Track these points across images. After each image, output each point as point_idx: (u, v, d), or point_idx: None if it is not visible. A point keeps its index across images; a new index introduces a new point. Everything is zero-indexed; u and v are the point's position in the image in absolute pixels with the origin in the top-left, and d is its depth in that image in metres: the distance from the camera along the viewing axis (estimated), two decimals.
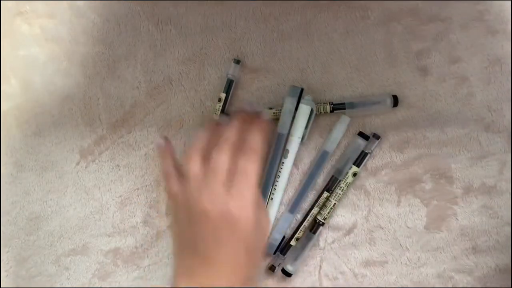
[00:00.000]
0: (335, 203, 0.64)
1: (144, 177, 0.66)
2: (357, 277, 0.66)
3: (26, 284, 0.66)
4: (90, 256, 0.66)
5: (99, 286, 0.66)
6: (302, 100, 0.62)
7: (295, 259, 0.64)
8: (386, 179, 0.65)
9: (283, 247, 0.65)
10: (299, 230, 0.64)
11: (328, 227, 0.65)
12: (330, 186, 0.64)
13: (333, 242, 0.66)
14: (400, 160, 0.65)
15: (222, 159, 0.56)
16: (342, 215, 0.66)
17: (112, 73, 0.66)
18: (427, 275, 0.65)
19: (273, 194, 0.64)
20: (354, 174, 0.64)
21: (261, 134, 0.58)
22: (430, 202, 0.65)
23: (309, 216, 0.64)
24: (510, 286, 0.63)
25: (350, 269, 0.66)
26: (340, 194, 0.64)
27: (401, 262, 0.65)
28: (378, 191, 0.65)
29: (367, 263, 0.66)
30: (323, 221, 0.64)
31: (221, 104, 0.64)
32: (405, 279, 0.65)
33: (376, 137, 0.63)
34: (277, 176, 0.64)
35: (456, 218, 0.65)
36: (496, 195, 0.65)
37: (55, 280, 0.66)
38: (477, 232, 0.65)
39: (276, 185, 0.64)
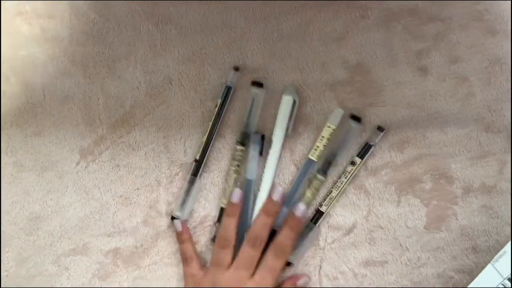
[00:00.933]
0: (336, 194, 0.64)
1: (144, 177, 0.66)
2: (357, 277, 0.65)
3: (26, 284, 0.66)
4: (90, 256, 0.66)
5: (99, 286, 0.66)
6: (285, 92, 0.63)
7: (297, 248, 0.64)
8: (386, 179, 0.65)
9: None
10: None
11: (328, 226, 0.65)
12: (325, 169, 0.64)
13: (333, 242, 0.65)
14: (400, 160, 0.65)
15: (252, 255, 0.62)
16: (342, 215, 0.65)
17: (112, 73, 0.66)
18: (427, 275, 0.65)
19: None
20: (353, 163, 0.63)
21: (293, 234, 0.63)
22: (430, 202, 0.65)
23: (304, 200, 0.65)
24: (510, 287, 0.62)
25: (350, 269, 0.65)
26: (341, 185, 0.64)
27: (401, 262, 0.65)
28: (378, 191, 0.65)
29: (367, 263, 0.65)
30: (322, 210, 0.64)
31: (217, 109, 0.64)
32: (405, 279, 0.65)
33: (381, 129, 0.63)
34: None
35: (456, 218, 0.65)
36: (496, 195, 0.64)
37: (55, 280, 0.66)
38: (477, 232, 0.65)
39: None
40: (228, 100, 0.64)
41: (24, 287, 0.66)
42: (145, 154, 0.66)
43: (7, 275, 0.66)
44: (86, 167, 0.66)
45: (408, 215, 0.65)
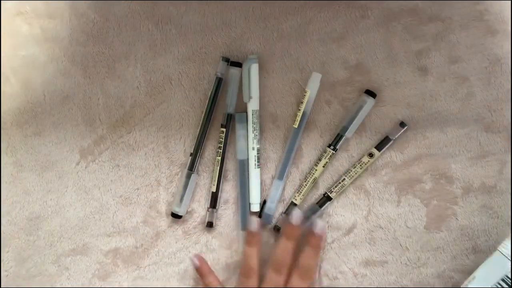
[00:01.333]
0: (347, 181, 0.64)
1: (144, 177, 0.66)
2: (357, 277, 0.65)
3: (26, 284, 0.66)
4: (90, 256, 0.66)
5: (99, 286, 0.66)
6: (248, 61, 0.63)
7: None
8: (386, 179, 0.65)
9: (288, 208, 0.65)
10: (301, 189, 0.65)
11: (328, 226, 0.65)
12: (335, 143, 0.64)
13: (332, 242, 0.65)
14: (400, 160, 0.65)
15: (278, 281, 0.62)
16: (342, 215, 0.65)
17: (112, 73, 0.65)
18: (427, 275, 0.65)
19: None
20: (371, 155, 0.63)
21: (316, 253, 0.63)
22: (430, 202, 0.64)
23: (311, 175, 0.65)
24: (510, 286, 0.62)
25: (350, 269, 0.65)
26: (355, 174, 0.64)
27: (401, 262, 0.65)
28: (378, 191, 0.65)
29: (367, 263, 0.65)
30: (331, 195, 0.64)
31: (208, 101, 0.64)
32: (405, 279, 0.65)
33: (402, 125, 0.63)
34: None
35: (456, 218, 0.64)
36: (496, 195, 0.64)
37: (55, 280, 0.66)
38: (477, 232, 0.64)
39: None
40: (220, 91, 0.64)
41: (24, 287, 0.66)
42: (145, 154, 0.66)
43: (7, 275, 0.66)
44: (86, 167, 0.66)
45: (408, 215, 0.65)
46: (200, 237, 0.66)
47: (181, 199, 0.65)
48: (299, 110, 0.63)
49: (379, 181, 0.65)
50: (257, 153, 0.64)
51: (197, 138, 0.64)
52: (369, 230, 0.65)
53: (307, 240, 0.62)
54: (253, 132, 0.64)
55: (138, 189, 0.66)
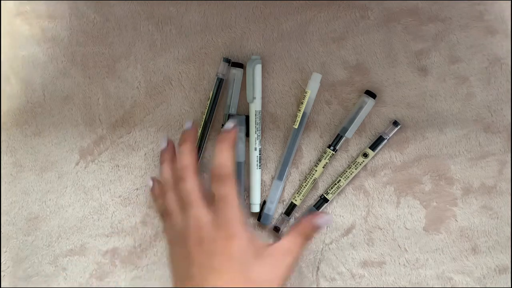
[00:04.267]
0: (342, 182, 0.61)
1: (144, 177, 0.64)
2: (355, 277, 0.63)
3: (23, 284, 0.64)
4: (88, 257, 0.64)
5: (97, 287, 0.63)
6: (252, 62, 0.60)
7: None
8: (385, 180, 0.63)
9: (288, 209, 0.63)
10: (301, 189, 0.62)
11: (327, 227, 0.63)
12: (334, 143, 0.61)
13: (331, 242, 0.63)
14: (400, 161, 0.62)
15: (192, 188, 0.55)
16: (340, 215, 0.63)
17: (112, 73, 0.63)
18: (426, 276, 0.62)
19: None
20: (365, 155, 0.61)
21: (223, 149, 0.56)
22: (429, 204, 0.62)
23: (310, 176, 0.62)
24: (510, 287, 0.60)
25: (348, 270, 0.63)
26: (351, 175, 0.61)
27: (399, 263, 0.63)
28: (377, 192, 0.63)
29: (365, 264, 0.63)
30: (327, 197, 0.61)
31: (209, 102, 0.62)
32: (403, 280, 0.63)
33: (396, 124, 0.61)
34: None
35: (456, 220, 0.62)
36: (496, 195, 0.62)
37: (52, 280, 0.64)
38: (477, 233, 0.62)
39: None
40: (221, 92, 0.62)
41: (21, 287, 0.64)
42: (145, 154, 0.64)
43: (4, 275, 0.64)
44: (85, 167, 0.64)
45: (407, 217, 0.63)
46: None
47: None
48: (299, 110, 0.61)
49: (378, 182, 0.63)
50: (259, 154, 0.62)
51: (199, 140, 0.62)
52: (368, 231, 0.63)
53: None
54: (255, 133, 0.62)
55: (137, 189, 0.64)
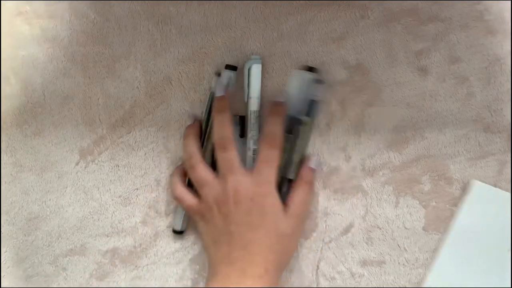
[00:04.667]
0: (297, 157, 0.60)
1: (144, 177, 0.64)
2: (355, 277, 0.63)
3: (23, 284, 0.64)
4: (88, 257, 0.63)
5: (97, 287, 0.63)
6: (249, 62, 0.61)
7: None
8: (384, 180, 0.62)
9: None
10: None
11: (326, 226, 0.62)
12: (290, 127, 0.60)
13: (330, 241, 0.62)
14: (399, 161, 0.62)
15: (274, 154, 0.59)
16: (339, 214, 0.62)
17: (112, 73, 0.63)
18: (425, 275, 0.62)
19: None
20: (300, 122, 0.60)
21: (278, 117, 0.59)
22: (428, 204, 0.62)
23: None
24: (510, 287, 0.59)
25: (347, 269, 0.62)
26: (301, 148, 0.61)
27: (399, 263, 0.62)
28: (376, 191, 0.62)
29: (364, 263, 0.62)
30: (291, 178, 0.61)
31: (204, 116, 0.62)
32: (403, 280, 0.62)
33: (312, 69, 0.61)
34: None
35: (456, 220, 0.62)
36: None
37: (52, 280, 0.64)
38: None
39: None
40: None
41: (21, 287, 0.64)
42: (145, 154, 0.63)
43: (4, 275, 0.64)
44: (85, 167, 0.64)
45: (406, 216, 0.62)
46: (199, 238, 0.63)
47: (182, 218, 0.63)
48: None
49: (376, 182, 0.62)
50: (253, 154, 0.61)
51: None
52: (367, 230, 0.62)
53: (269, 109, 0.60)
54: (250, 133, 0.61)
55: (137, 189, 0.64)
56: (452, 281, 0.60)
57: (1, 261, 0.63)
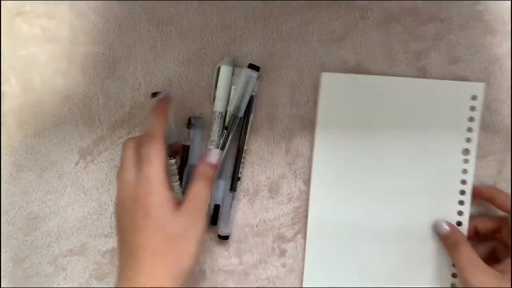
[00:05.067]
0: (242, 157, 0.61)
1: None
2: None
3: (23, 284, 0.63)
4: (87, 257, 0.63)
5: (97, 287, 0.63)
6: (221, 62, 0.60)
7: (227, 221, 0.61)
8: None
9: (212, 216, 0.61)
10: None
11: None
12: (231, 124, 0.59)
13: None
14: None
15: (126, 153, 0.55)
16: None
17: (112, 74, 0.62)
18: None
19: None
20: (234, 117, 0.59)
21: (154, 116, 0.56)
22: None
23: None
24: (510, 286, 0.59)
25: None
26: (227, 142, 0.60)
27: None
28: None
29: None
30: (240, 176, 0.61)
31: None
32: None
33: (254, 68, 0.59)
34: None
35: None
36: None
37: (52, 280, 0.63)
38: None
39: None
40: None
41: (20, 287, 0.63)
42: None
43: (4, 275, 0.63)
44: (85, 168, 0.63)
45: None
46: None
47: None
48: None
49: None
50: None
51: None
52: None
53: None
54: (211, 134, 0.60)
55: None
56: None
57: (1, 261, 0.63)
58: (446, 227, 0.58)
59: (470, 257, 0.55)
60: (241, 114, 0.59)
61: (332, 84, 0.60)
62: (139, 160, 0.54)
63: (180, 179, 0.60)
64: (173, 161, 0.58)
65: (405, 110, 0.59)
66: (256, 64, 0.59)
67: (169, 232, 0.52)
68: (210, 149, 0.59)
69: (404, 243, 0.60)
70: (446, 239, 0.58)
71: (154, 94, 0.58)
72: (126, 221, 0.53)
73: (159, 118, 0.55)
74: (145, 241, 0.51)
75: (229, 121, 0.59)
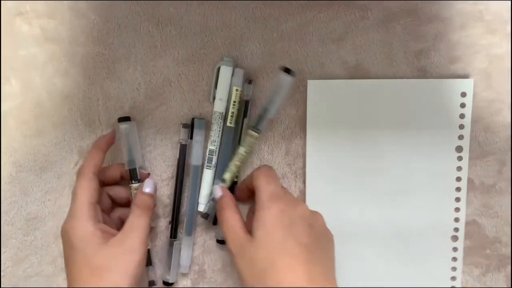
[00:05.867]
0: (237, 164, 0.60)
1: None
2: None
3: (22, 284, 0.63)
4: None
5: (97, 287, 0.61)
6: (221, 62, 0.60)
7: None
8: None
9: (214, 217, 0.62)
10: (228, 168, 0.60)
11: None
12: (256, 124, 0.59)
13: None
14: None
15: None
16: None
17: (112, 74, 0.62)
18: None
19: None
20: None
21: (90, 151, 0.58)
22: None
23: (236, 157, 0.60)
24: (510, 287, 0.59)
25: None
26: (242, 153, 0.59)
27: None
28: None
29: None
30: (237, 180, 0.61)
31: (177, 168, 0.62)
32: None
33: (248, 81, 0.60)
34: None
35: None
36: (495, 194, 0.61)
37: (52, 280, 0.63)
38: (477, 232, 0.62)
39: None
40: (186, 156, 0.61)
41: (20, 287, 0.63)
42: (142, 156, 0.62)
43: (4, 275, 0.63)
44: None
45: None
46: (198, 238, 0.63)
47: (169, 267, 0.62)
48: (232, 109, 0.60)
49: None
50: (209, 154, 0.61)
51: (173, 207, 0.62)
52: None
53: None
54: (212, 134, 0.60)
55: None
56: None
57: (1, 261, 0.63)
58: (219, 192, 0.57)
59: (230, 222, 0.53)
60: (271, 115, 0.58)
61: (319, 90, 0.60)
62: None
63: (177, 180, 0.61)
64: (135, 185, 0.59)
65: (394, 111, 0.59)
66: (290, 68, 0.58)
67: (94, 266, 0.51)
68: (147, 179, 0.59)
69: (402, 242, 0.60)
70: (217, 204, 0.57)
71: (120, 119, 0.59)
72: (64, 253, 0.54)
73: (92, 153, 0.57)
74: (74, 274, 0.52)
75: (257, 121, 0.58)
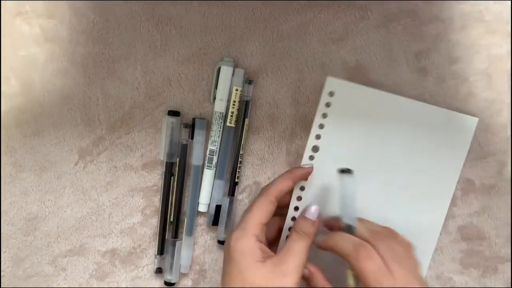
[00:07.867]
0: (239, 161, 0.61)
1: (141, 178, 0.63)
2: None
3: (22, 284, 0.63)
4: (87, 257, 0.63)
5: (97, 287, 0.63)
6: (222, 62, 0.60)
7: (226, 226, 0.62)
8: None
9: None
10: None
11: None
12: None
13: None
14: None
15: None
16: None
17: (111, 74, 0.62)
18: (425, 276, 0.61)
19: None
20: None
21: (280, 176, 0.58)
22: None
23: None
24: (510, 287, 0.59)
25: None
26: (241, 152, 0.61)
27: None
28: None
29: None
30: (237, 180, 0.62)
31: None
32: None
33: (248, 81, 0.60)
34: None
35: (455, 220, 0.61)
36: (495, 195, 0.61)
37: (52, 280, 0.63)
38: (476, 233, 0.61)
39: None
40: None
41: (20, 287, 0.63)
42: (142, 155, 0.63)
43: (4, 275, 0.63)
44: (84, 168, 0.63)
45: None
46: (199, 238, 0.63)
47: (171, 267, 0.62)
48: (232, 109, 0.60)
49: None
50: (210, 154, 0.61)
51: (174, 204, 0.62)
52: None
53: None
54: (212, 134, 0.61)
55: (134, 190, 0.63)
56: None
57: (1, 261, 0.63)
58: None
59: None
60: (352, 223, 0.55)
61: (336, 89, 0.59)
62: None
63: (178, 180, 0.61)
64: None
65: (403, 128, 0.59)
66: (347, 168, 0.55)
67: (248, 282, 0.51)
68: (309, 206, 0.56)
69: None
70: None
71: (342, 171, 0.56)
72: (223, 265, 0.54)
73: (283, 179, 0.57)
74: (229, 285, 0.52)
75: None
